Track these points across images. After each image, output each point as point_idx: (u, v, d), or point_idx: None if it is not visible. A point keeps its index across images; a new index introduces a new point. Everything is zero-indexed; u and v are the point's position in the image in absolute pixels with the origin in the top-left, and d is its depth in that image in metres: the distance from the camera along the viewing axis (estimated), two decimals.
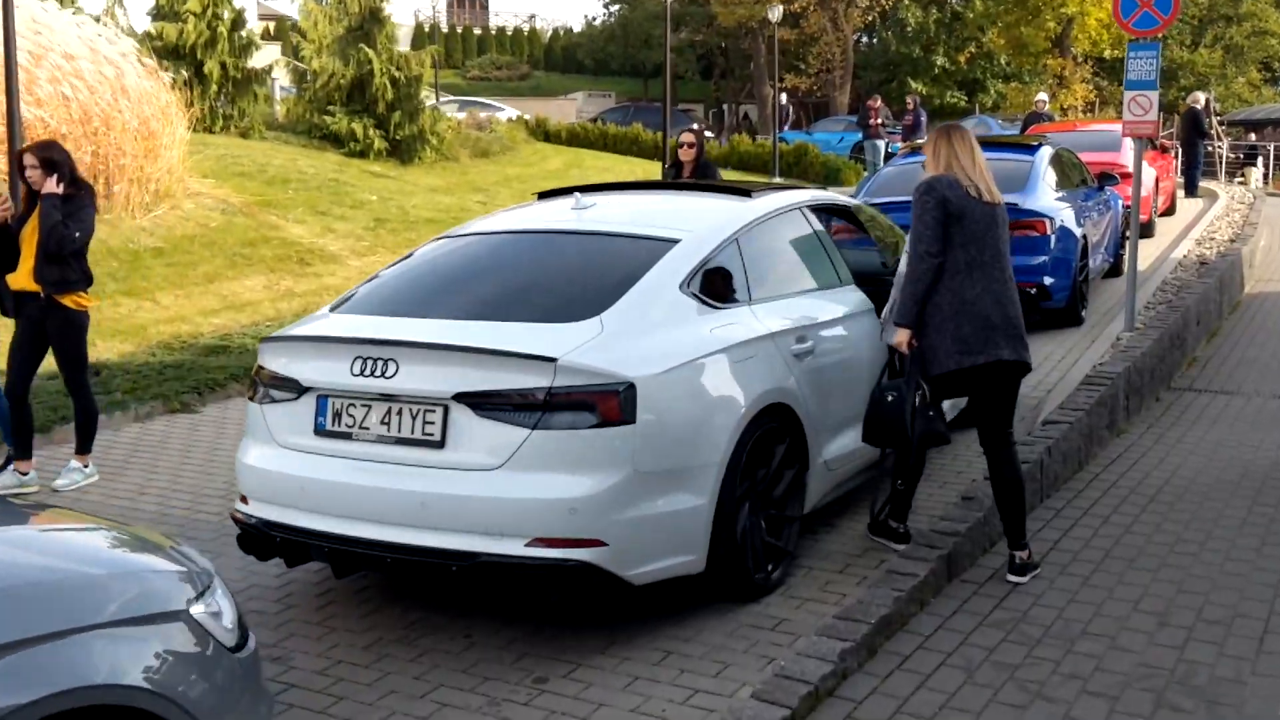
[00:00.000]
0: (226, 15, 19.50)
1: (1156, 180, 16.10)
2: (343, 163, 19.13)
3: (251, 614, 4.55)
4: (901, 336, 4.83)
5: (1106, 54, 39.10)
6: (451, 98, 39.57)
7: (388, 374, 4.09)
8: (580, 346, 4.03)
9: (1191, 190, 21.34)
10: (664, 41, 52.37)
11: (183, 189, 14.00)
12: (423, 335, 4.22)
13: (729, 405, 4.38)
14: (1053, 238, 9.66)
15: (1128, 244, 12.74)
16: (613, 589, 4.05)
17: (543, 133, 32.13)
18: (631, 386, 4.00)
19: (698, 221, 5.04)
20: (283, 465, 4.34)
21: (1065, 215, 10.05)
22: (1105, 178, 12.15)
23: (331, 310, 4.79)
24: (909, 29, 44.22)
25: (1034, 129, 19.44)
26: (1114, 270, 12.56)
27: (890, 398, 4.83)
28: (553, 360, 3.92)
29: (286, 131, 20.49)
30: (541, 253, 4.92)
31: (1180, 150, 22.47)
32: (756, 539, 4.63)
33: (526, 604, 4.49)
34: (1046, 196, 10.02)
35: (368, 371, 4.12)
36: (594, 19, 61.36)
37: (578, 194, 5.40)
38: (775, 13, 28.82)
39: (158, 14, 20.20)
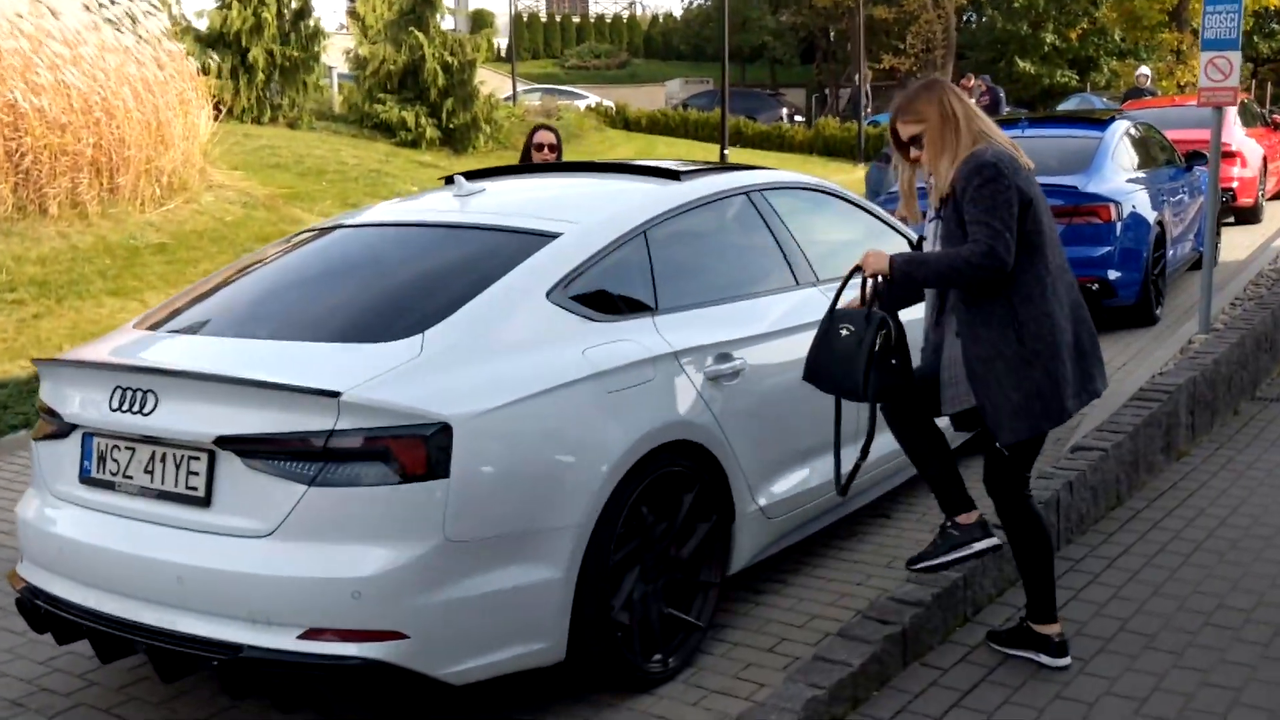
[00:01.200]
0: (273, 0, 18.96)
1: (1265, 159, 14.54)
2: (391, 153, 18.50)
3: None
4: (882, 263, 3.60)
5: None
6: (533, 86, 39.03)
7: (145, 409, 3.23)
8: (379, 376, 3.11)
9: None
10: (759, 24, 51.19)
11: (203, 181, 13.44)
12: (186, 361, 3.35)
13: (597, 448, 3.42)
14: (1119, 225, 8.44)
15: (1219, 231, 11.42)
16: (422, 692, 3.13)
17: (622, 120, 31.37)
18: (445, 429, 3.07)
19: (593, 211, 4.08)
20: (47, 519, 3.51)
21: (1137, 199, 8.81)
22: (1195, 156, 10.81)
23: (136, 325, 3.93)
24: (1016, 5, 42.22)
25: (1133, 104, 17.94)
26: None
27: (845, 332, 3.63)
28: (335, 395, 3.02)
29: (339, 121, 19.94)
30: (393, 251, 4.00)
31: None
32: (652, 613, 3.67)
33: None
34: (1115, 178, 8.79)
35: (126, 406, 3.27)
36: (691, 4, 60.40)
37: (460, 177, 4.47)
38: None
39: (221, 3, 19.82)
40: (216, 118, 18.21)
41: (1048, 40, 41.91)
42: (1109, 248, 8.37)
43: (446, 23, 21.55)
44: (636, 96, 42.78)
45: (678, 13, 63.74)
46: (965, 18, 46.90)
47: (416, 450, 3.02)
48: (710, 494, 3.87)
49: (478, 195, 4.32)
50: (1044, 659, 3.84)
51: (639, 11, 64.46)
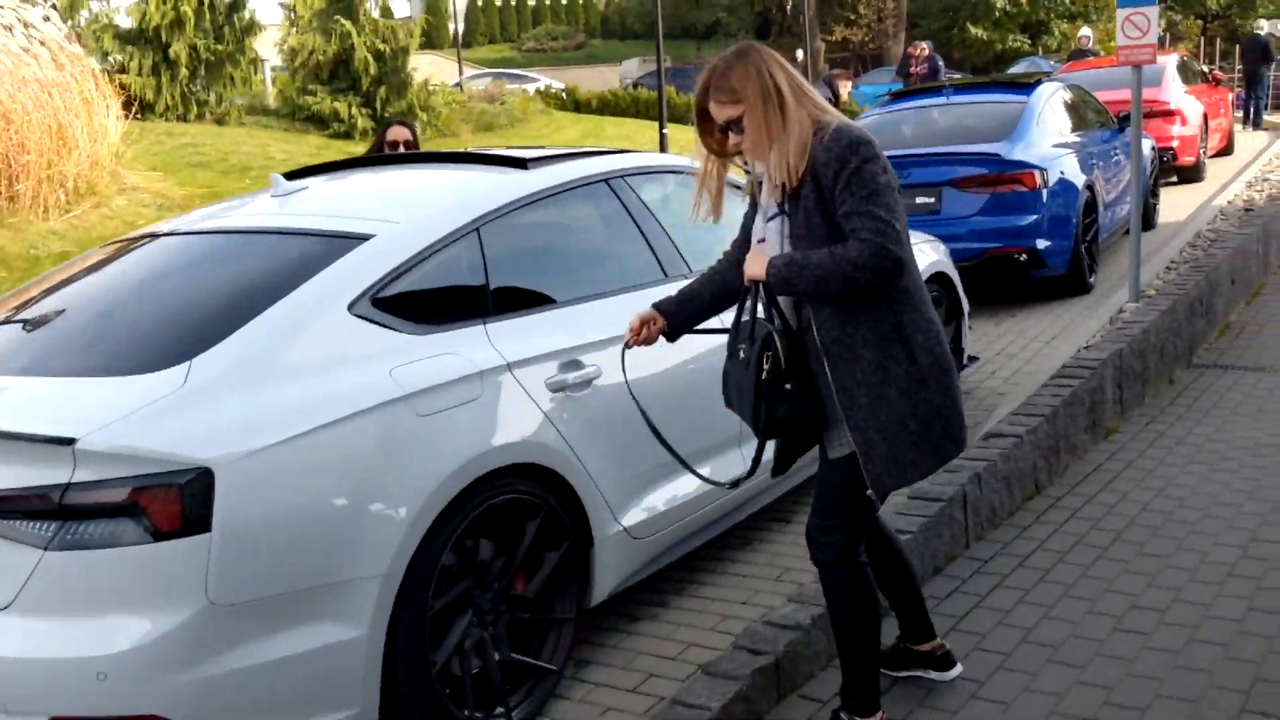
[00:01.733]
0: None
1: (1205, 116, 14.24)
2: (323, 145, 17.94)
3: None
4: (758, 269, 2.97)
5: None
6: (482, 71, 38.42)
7: None
8: (127, 415, 2.69)
9: (1257, 122, 19.36)
10: (712, 1, 50.64)
11: (115, 184, 12.92)
12: None
13: (404, 483, 3.00)
14: (1045, 192, 8.08)
15: (1156, 192, 11.10)
16: None
17: (573, 102, 30.86)
18: (204, 474, 2.66)
19: (419, 207, 3.66)
20: None
21: (1065, 164, 8.46)
22: (1128, 119, 10.46)
23: None
24: None
25: (1075, 65, 17.59)
26: (1144, 222, 10.86)
27: (740, 353, 3.05)
28: (69, 442, 2.60)
29: (271, 115, 19.37)
30: (186, 264, 3.56)
31: (1245, 81, 20.43)
32: (490, 660, 3.28)
33: None
34: (1040, 144, 8.42)
35: None
36: None
37: (278, 176, 4.04)
38: None
39: None
40: (139, 116, 17.70)
41: (998, 6, 41.59)
42: (1036, 216, 8.01)
43: (400, 9, 21.02)
44: (591, 77, 42.26)
45: None
46: None
47: (170, 502, 2.61)
48: (560, 519, 3.47)
49: (296, 195, 3.89)
50: (933, 674, 3.49)
51: None
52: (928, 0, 45.75)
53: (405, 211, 3.59)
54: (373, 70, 18.80)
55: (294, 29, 19.12)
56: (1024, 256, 8.00)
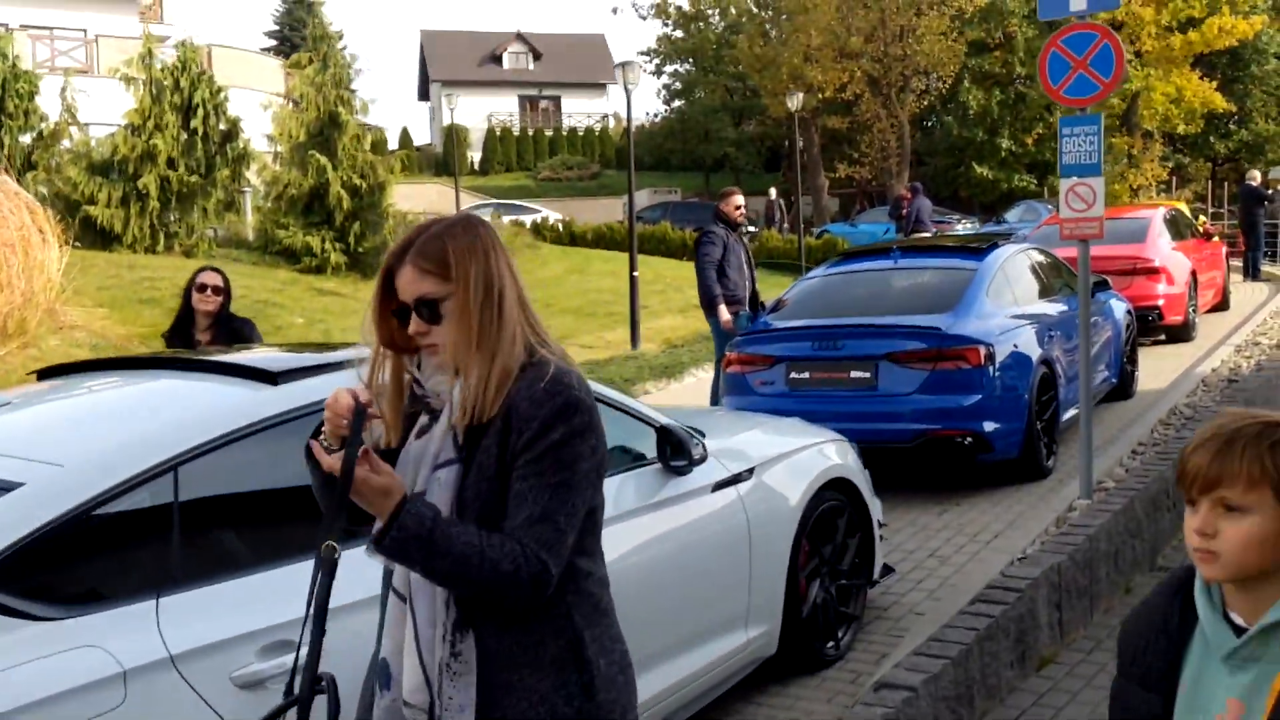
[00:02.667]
0: (172, 123, 18.12)
1: (1193, 272, 13.64)
2: (291, 280, 17.53)
3: None
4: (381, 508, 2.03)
5: (1180, 129, 36.40)
6: (484, 201, 38.49)
7: None
8: None
9: (1255, 274, 18.81)
10: (720, 135, 51.14)
11: (52, 322, 12.42)
12: None
13: None
14: (993, 369, 7.38)
15: (1133, 359, 10.40)
16: None
17: (569, 234, 30.76)
18: None
19: (100, 440, 2.97)
20: None
21: (1018, 338, 7.78)
22: (1100, 285, 9.84)
23: None
24: (971, 112, 42.07)
25: (1055, 218, 17.13)
26: (1121, 392, 10.16)
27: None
28: None
29: (243, 248, 19.03)
30: None
31: (1242, 233, 19.95)
32: None
33: None
34: (989, 316, 7.76)
35: None
36: (655, 116, 60.86)
37: None
38: (794, 100, 26.95)
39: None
40: (104, 248, 17.38)
41: (1004, 146, 41.65)
42: (981, 395, 7.30)
43: (420, 136, 20.80)
44: (596, 209, 42.41)
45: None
46: (924, 123, 46.76)
47: None
48: None
49: None
50: None
51: (610, 124, 64.87)
52: (934, 139, 45.93)
53: (83, 447, 2.90)
54: (346, 205, 18.48)
55: (275, 160, 18.90)
56: (968, 440, 7.28)
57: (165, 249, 18.05)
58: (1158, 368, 11.57)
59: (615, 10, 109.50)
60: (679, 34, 54.10)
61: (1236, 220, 20.56)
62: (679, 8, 52.07)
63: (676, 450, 4.15)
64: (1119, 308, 10.24)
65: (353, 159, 18.88)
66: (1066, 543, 5.90)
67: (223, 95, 20.19)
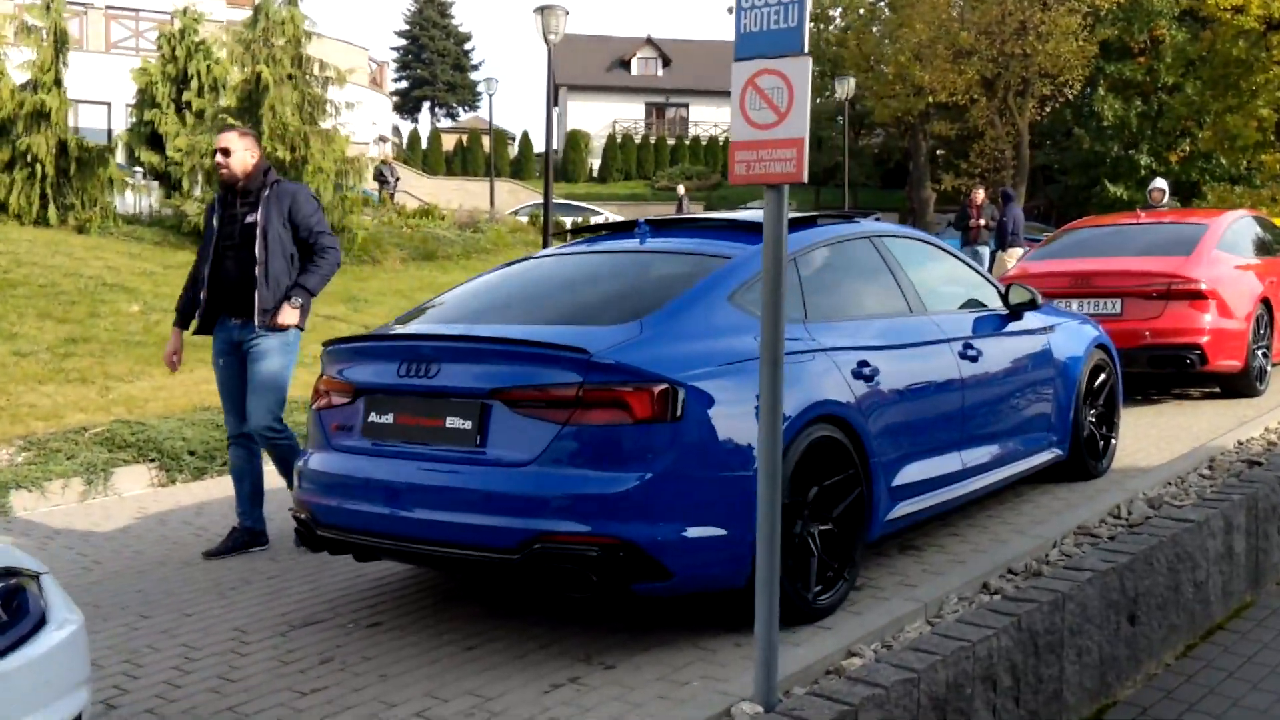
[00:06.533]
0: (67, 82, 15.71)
1: (1266, 301, 9.72)
2: (188, 261, 14.87)
3: None
4: None
5: None
6: (533, 202, 35.87)
7: None
8: None
9: None
10: (831, 144, 47.53)
11: None
12: None
13: None
14: (675, 428, 4.01)
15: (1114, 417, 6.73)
16: None
17: None
18: None
19: None
20: None
21: (756, 374, 4.32)
22: (1028, 304, 6.33)
23: None
24: (1106, 124, 37.31)
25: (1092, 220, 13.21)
26: (1076, 468, 6.58)
27: None
28: None
29: (152, 225, 16.48)
30: None
31: None
32: None
33: None
34: (704, 337, 4.38)
35: None
36: None
37: None
38: (846, 84, 23.18)
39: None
40: None
41: (1143, 163, 36.77)
42: (640, 475, 3.92)
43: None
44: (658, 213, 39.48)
45: None
46: (1054, 135, 42.03)
47: None
48: None
49: None
50: None
51: None
52: (1064, 155, 41.20)
53: None
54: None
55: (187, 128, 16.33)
56: (608, 554, 3.90)
57: (60, 223, 15.60)
58: (1179, 424, 7.84)
59: (729, 10, 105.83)
60: None
61: None
62: None
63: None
64: (1076, 337, 6.63)
65: (283, 128, 16.13)
66: None
67: (220, 68, 17.98)
